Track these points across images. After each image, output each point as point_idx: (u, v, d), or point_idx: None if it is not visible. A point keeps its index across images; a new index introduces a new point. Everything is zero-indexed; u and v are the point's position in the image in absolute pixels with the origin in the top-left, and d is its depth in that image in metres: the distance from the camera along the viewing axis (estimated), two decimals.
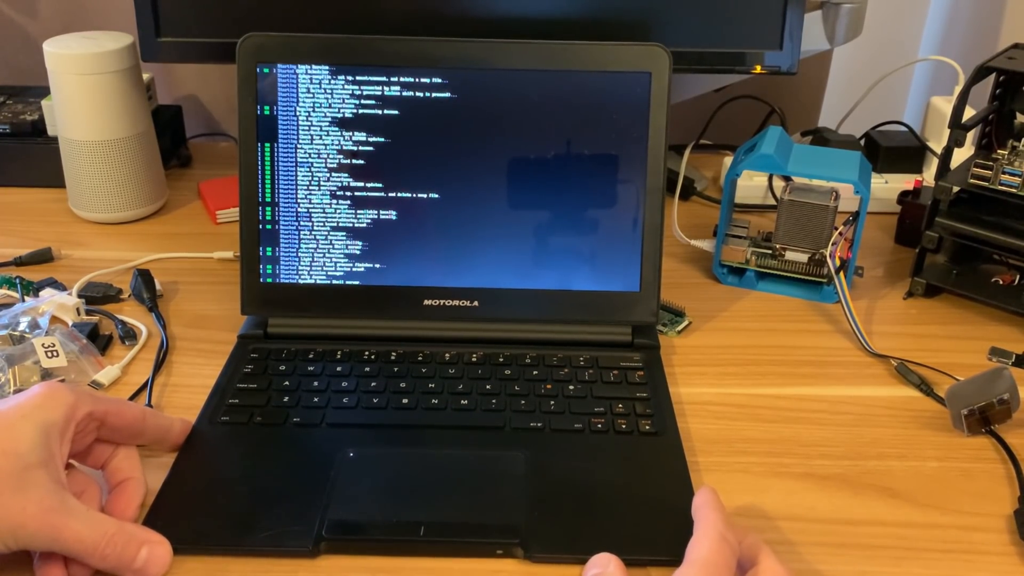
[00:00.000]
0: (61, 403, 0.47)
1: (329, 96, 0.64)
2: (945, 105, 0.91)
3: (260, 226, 0.64)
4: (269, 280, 0.65)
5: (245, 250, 0.65)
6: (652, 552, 0.49)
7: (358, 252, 0.65)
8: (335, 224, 0.65)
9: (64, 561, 0.46)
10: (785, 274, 0.75)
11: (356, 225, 0.65)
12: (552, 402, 0.59)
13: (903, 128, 0.94)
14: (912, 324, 0.72)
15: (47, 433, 0.46)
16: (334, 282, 0.65)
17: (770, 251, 0.75)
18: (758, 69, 0.80)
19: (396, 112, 0.63)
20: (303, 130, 0.64)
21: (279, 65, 0.64)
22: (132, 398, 0.61)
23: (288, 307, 0.65)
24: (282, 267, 0.65)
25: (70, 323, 0.67)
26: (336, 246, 0.65)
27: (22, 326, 0.65)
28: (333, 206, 0.64)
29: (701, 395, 0.63)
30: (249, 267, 0.65)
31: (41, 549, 0.45)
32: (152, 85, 0.95)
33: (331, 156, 0.64)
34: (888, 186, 0.89)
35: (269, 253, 0.65)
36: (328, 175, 0.64)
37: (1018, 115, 0.74)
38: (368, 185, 0.64)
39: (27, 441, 0.45)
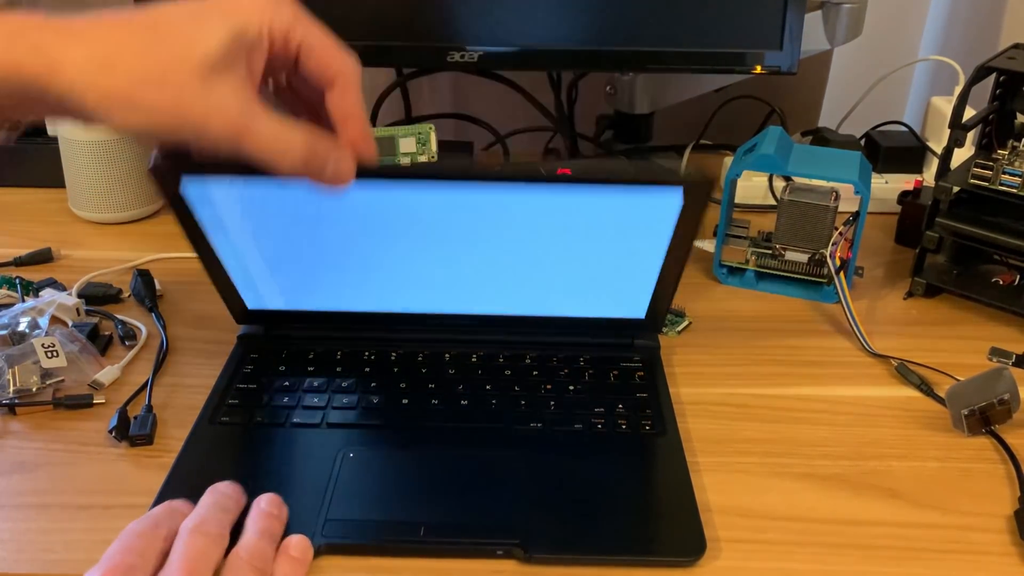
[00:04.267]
0: (263, 14, 0.44)
1: None
2: (945, 105, 0.91)
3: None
4: (254, 308, 0.64)
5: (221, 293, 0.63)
6: (652, 552, 0.49)
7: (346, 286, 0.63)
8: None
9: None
10: (785, 274, 0.75)
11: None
12: (552, 403, 0.59)
13: (903, 128, 0.94)
14: (912, 324, 0.72)
15: (242, 41, 0.43)
16: (325, 309, 0.64)
17: (770, 251, 0.75)
18: (758, 69, 0.80)
19: None
20: None
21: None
22: (132, 398, 0.61)
23: (280, 321, 0.65)
24: (265, 299, 0.64)
25: (70, 323, 0.67)
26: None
27: (22, 326, 0.65)
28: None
29: (701, 395, 0.63)
30: (229, 302, 0.64)
31: (227, 149, 0.43)
32: None
33: None
34: (888, 186, 0.89)
35: (250, 294, 0.63)
36: None
37: (1018, 115, 0.74)
38: None
39: (220, 43, 0.42)
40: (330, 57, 0.47)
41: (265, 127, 0.43)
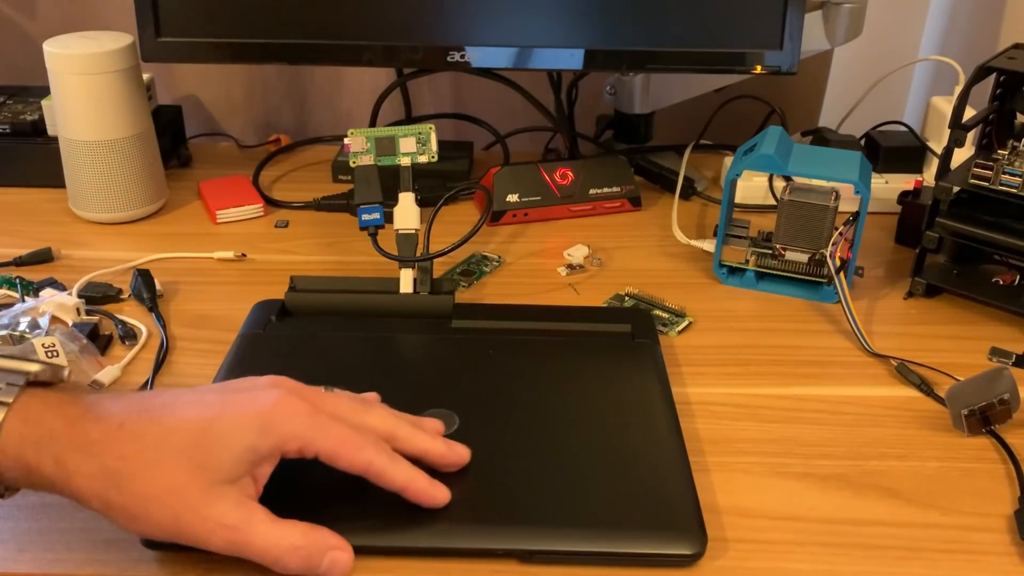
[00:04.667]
0: (277, 435, 0.46)
1: None
2: (945, 105, 0.91)
3: None
4: None
5: None
6: (652, 552, 0.49)
7: None
8: None
9: None
10: (785, 274, 0.75)
11: None
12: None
13: (903, 128, 0.94)
14: (912, 324, 0.72)
15: (250, 459, 0.45)
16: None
17: (770, 251, 0.75)
18: (758, 69, 0.80)
19: None
20: None
21: None
22: None
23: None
24: None
25: (70, 323, 0.67)
26: None
27: (22, 326, 0.65)
28: None
29: (701, 395, 0.63)
30: None
31: (227, 554, 0.45)
32: (152, 85, 0.95)
33: None
34: (888, 186, 0.89)
35: None
36: None
37: (1018, 115, 0.74)
38: None
39: (226, 462, 0.45)
40: (349, 462, 0.48)
41: (261, 535, 0.45)
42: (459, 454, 0.52)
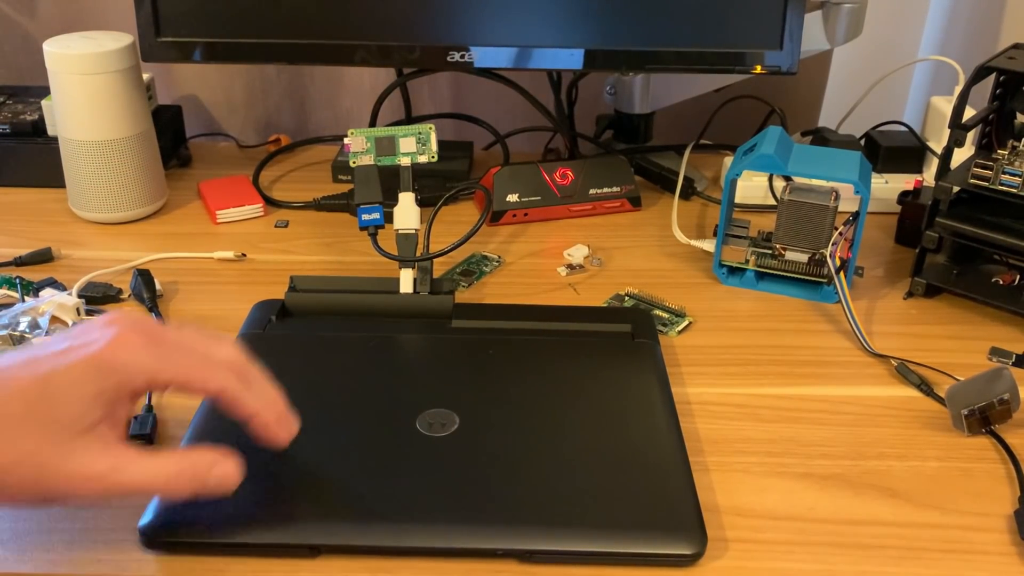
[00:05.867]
0: (119, 373, 0.44)
1: None
2: (945, 105, 0.91)
3: None
4: None
5: None
6: (652, 552, 0.49)
7: None
8: None
9: None
10: (785, 274, 0.75)
11: None
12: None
13: (903, 128, 0.94)
14: (912, 324, 0.72)
15: (99, 404, 0.44)
16: None
17: (770, 251, 0.75)
18: (758, 69, 0.80)
19: None
20: None
21: None
22: None
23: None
24: None
25: (70, 323, 0.67)
26: None
27: (22, 326, 0.65)
28: None
29: (701, 395, 0.63)
30: None
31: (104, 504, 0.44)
32: (152, 85, 0.95)
33: None
34: (888, 186, 0.89)
35: None
36: None
37: (1018, 115, 0.74)
38: None
39: (74, 414, 0.43)
40: (203, 384, 0.47)
41: (135, 474, 0.44)
42: (289, 429, 0.50)
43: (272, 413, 0.49)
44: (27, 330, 0.65)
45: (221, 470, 0.46)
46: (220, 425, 0.56)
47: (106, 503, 0.44)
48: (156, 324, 0.48)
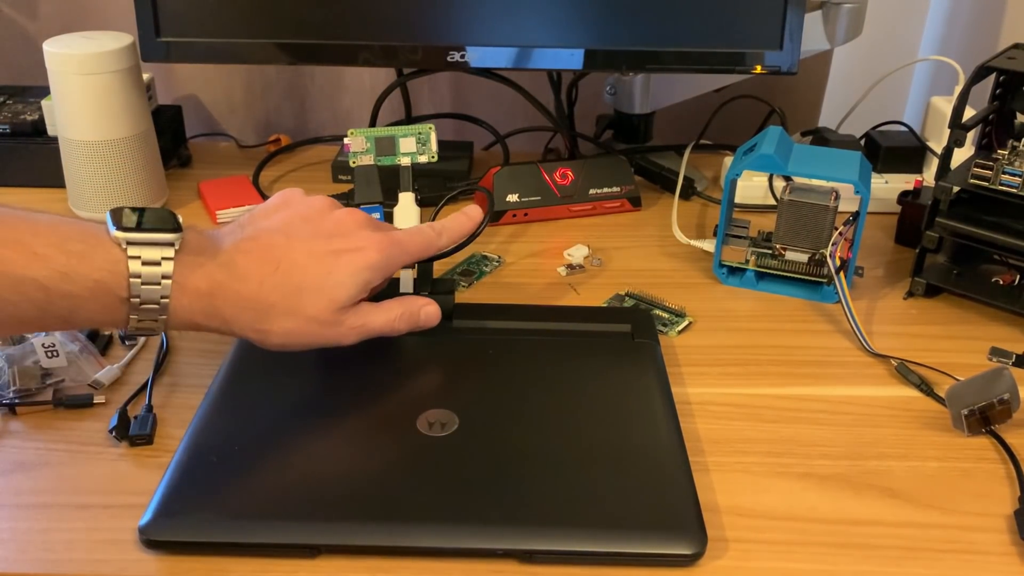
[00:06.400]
0: (382, 267, 0.58)
1: None
2: (945, 105, 0.91)
3: None
4: None
5: None
6: (653, 552, 0.49)
7: None
8: None
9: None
10: (785, 274, 0.75)
11: None
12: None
13: (903, 128, 0.94)
14: (912, 324, 0.72)
15: (364, 287, 0.57)
16: None
17: (770, 251, 0.75)
18: (758, 69, 0.80)
19: None
20: None
21: None
22: (132, 398, 0.61)
23: None
24: None
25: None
26: None
27: None
28: None
29: (701, 395, 0.63)
30: None
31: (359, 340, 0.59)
32: (152, 85, 0.95)
33: None
34: (888, 186, 0.89)
35: None
36: None
37: (1018, 115, 0.74)
38: None
39: (346, 295, 0.56)
40: (427, 256, 0.64)
41: (376, 323, 0.59)
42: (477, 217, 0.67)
43: (470, 226, 0.66)
44: None
45: (427, 311, 0.61)
46: (221, 425, 0.57)
47: (361, 339, 0.58)
48: (376, 221, 0.61)
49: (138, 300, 0.51)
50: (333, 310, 0.56)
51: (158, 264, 0.52)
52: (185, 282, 0.53)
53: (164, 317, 0.53)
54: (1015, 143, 0.70)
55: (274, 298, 0.55)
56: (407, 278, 0.68)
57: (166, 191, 0.89)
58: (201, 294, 0.53)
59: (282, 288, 0.55)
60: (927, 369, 0.65)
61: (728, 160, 0.93)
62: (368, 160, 0.71)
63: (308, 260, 0.56)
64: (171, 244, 0.52)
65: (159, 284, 0.52)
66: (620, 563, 0.49)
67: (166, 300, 0.52)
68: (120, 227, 0.52)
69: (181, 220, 0.54)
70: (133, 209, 0.54)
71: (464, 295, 0.75)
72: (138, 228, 0.52)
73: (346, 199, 0.88)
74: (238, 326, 0.55)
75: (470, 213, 0.65)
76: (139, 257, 0.51)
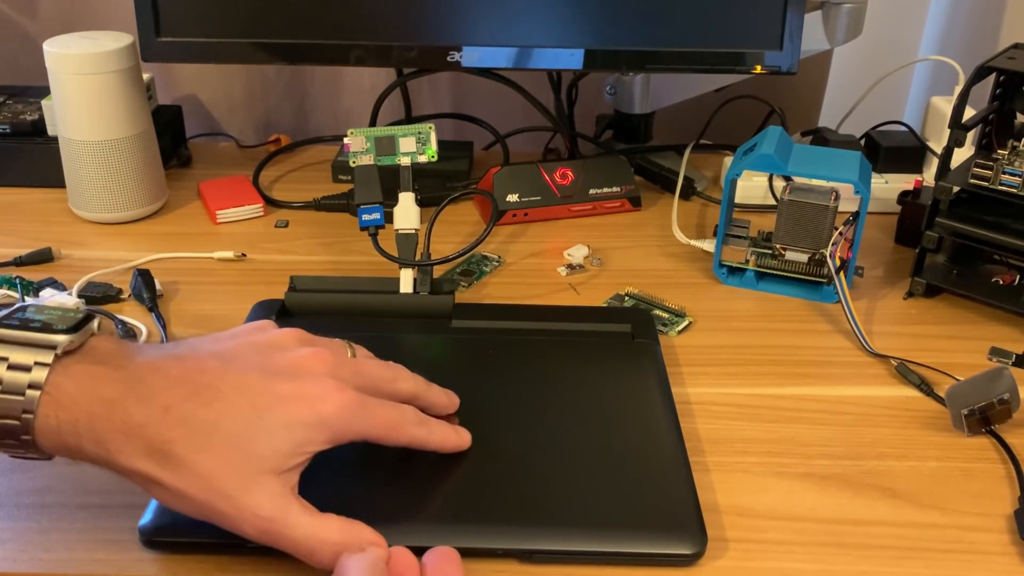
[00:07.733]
0: (334, 433, 0.46)
1: None
2: (945, 105, 0.91)
3: None
4: None
5: None
6: (652, 551, 0.49)
7: None
8: None
9: None
10: (785, 274, 0.75)
11: None
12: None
13: (903, 128, 0.94)
14: (912, 324, 0.72)
15: (299, 451, 0.45)
16: None
17: (770, 251, 0.75)
18: (758, 69, 0.80)
19: None
20: None
21: None
22: None
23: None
24: None
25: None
26: None
27: None
28: None
29: (701, 395, 0.63)
30: None
31: (260, 543, 0.45)
32: (152, 85, 0.95)
33: None
34: (888, 186, 0.89)
35: None
36: None
37: (1018, 115, 0.74)
38: None
39: (280, 453, 0.44)
40: (396, 442, 0.50)
41: (298, 528, 0.44)
42: (454, 402, 0.56)
43: (451, 440, 0.53)
44: None
45: (375, 552, 0.45)
46: None
47: (263, 543, 0.45)
48: (351, 371, 0.49)
49: None
50: (244, 470, 0.43)
51: (27, 370, 0.41)
52: (61, 396, 0.42)
53: (28, 437, 0.42)
54: (1015, 143, 0.70)
55: (174, 433, 0.43)
56: (407, 277, 0.68)
57: (166, 191, 0.89)
58: (80, 411, 0.42)
59: (190, 422, 0.43)
60: (927, 369, 0.65)
61: (728, 160, 0.93)
62: (368, 160, 0.71)
63: (237, 395, 0.44)
64: (52, 347, 0.42)
65: (22, 395, 0.41)
66: (620, 563, 0.49)
67: (29, 416, 0.41)
68: None
69: (98, 324, 0.44)
70: (48, 308, 0.44)
71: (464, 295, 0.75)
72: (20, 325, 0.42)
73: (346, 199, 0.88)
74: (123, 460, 0.43)
75: (461, 434, 0.54)
76: (6, 359, 0.42)
